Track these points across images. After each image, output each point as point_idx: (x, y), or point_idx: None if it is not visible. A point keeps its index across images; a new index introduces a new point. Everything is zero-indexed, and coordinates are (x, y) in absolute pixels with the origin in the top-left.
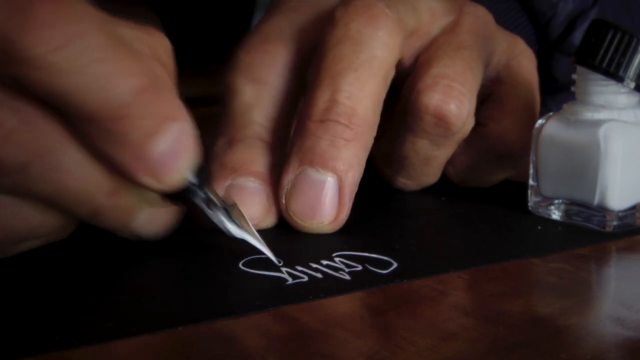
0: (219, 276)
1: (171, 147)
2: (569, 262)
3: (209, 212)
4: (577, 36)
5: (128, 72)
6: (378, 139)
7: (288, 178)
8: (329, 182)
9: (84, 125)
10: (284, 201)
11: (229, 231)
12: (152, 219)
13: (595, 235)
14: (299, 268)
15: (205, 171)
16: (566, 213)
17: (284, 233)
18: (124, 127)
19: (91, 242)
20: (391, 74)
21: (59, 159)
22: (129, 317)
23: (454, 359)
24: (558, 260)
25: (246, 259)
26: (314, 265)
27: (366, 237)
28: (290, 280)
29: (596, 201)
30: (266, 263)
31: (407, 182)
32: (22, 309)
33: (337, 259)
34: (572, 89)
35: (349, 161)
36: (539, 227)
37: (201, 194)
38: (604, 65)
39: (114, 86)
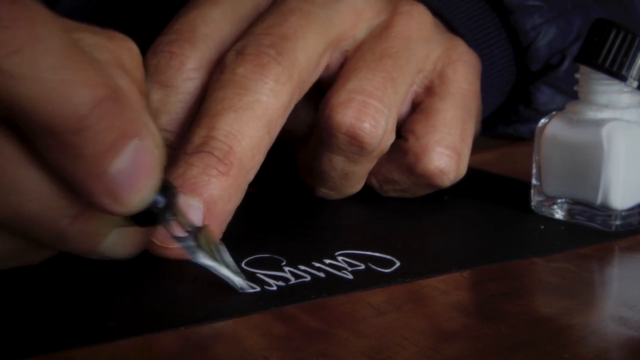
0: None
1: (130, 166)
2: (571, 261)
3: (175, 237)
4: (566, 68)
5: (86, 82)
6: (301, 148)
7: None
8: (195, 208)
9: (40, 138)
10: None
11: (194, 258)
12: (121, 241)
13: (598, 234)
14: (302, 267)
15: (172, 193)
16: (569, 212)
17: (287, 232)
18: (81, 141)
19: None
20: (279, 123)
21: (15, 180)
22: (131, 317)
23: (456, 358)
24: (560, 260)
25: (249, 259)
26: (317, 265)
27: (369, 236)
28: (293, 280)
29: (599, 201)
30: (269, 263)
31: (329, 193)
32: (24, 309)
33: (340, 258)
34: (575, 88)
35: (219, 193)
36: (542, 227)
37: (167, 217)
38: (607, 64)
39: (71, 96)
